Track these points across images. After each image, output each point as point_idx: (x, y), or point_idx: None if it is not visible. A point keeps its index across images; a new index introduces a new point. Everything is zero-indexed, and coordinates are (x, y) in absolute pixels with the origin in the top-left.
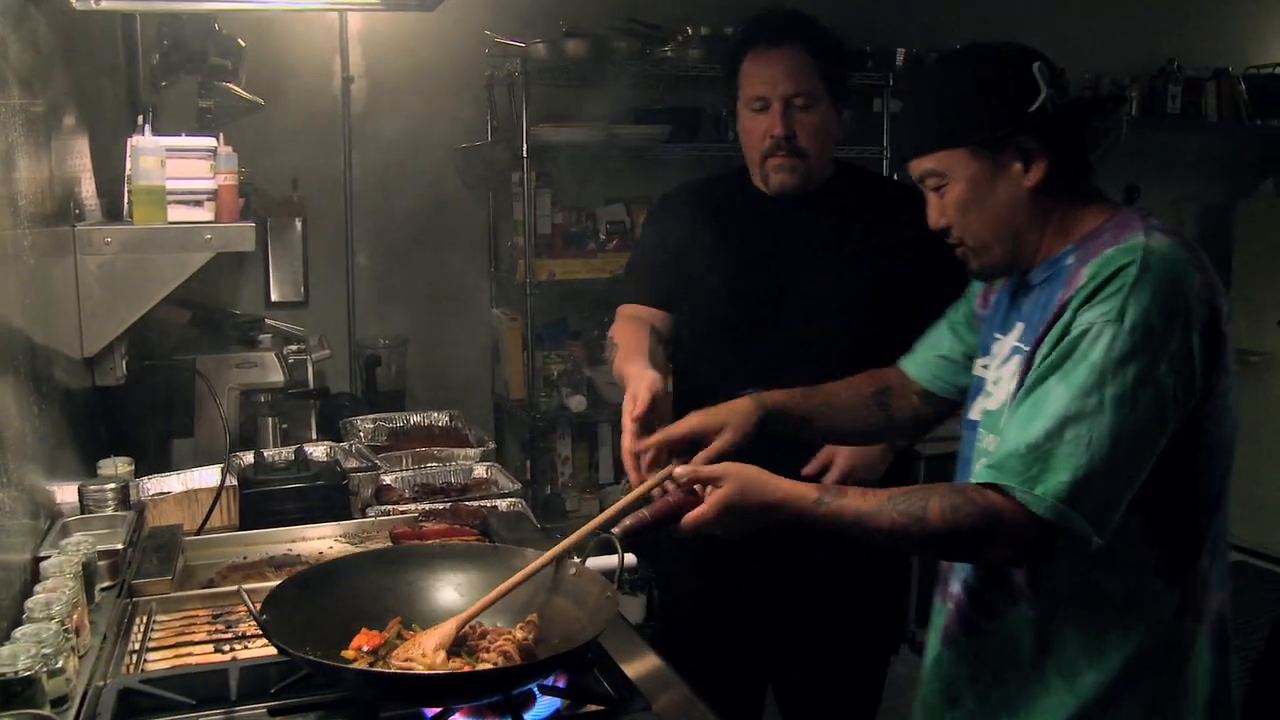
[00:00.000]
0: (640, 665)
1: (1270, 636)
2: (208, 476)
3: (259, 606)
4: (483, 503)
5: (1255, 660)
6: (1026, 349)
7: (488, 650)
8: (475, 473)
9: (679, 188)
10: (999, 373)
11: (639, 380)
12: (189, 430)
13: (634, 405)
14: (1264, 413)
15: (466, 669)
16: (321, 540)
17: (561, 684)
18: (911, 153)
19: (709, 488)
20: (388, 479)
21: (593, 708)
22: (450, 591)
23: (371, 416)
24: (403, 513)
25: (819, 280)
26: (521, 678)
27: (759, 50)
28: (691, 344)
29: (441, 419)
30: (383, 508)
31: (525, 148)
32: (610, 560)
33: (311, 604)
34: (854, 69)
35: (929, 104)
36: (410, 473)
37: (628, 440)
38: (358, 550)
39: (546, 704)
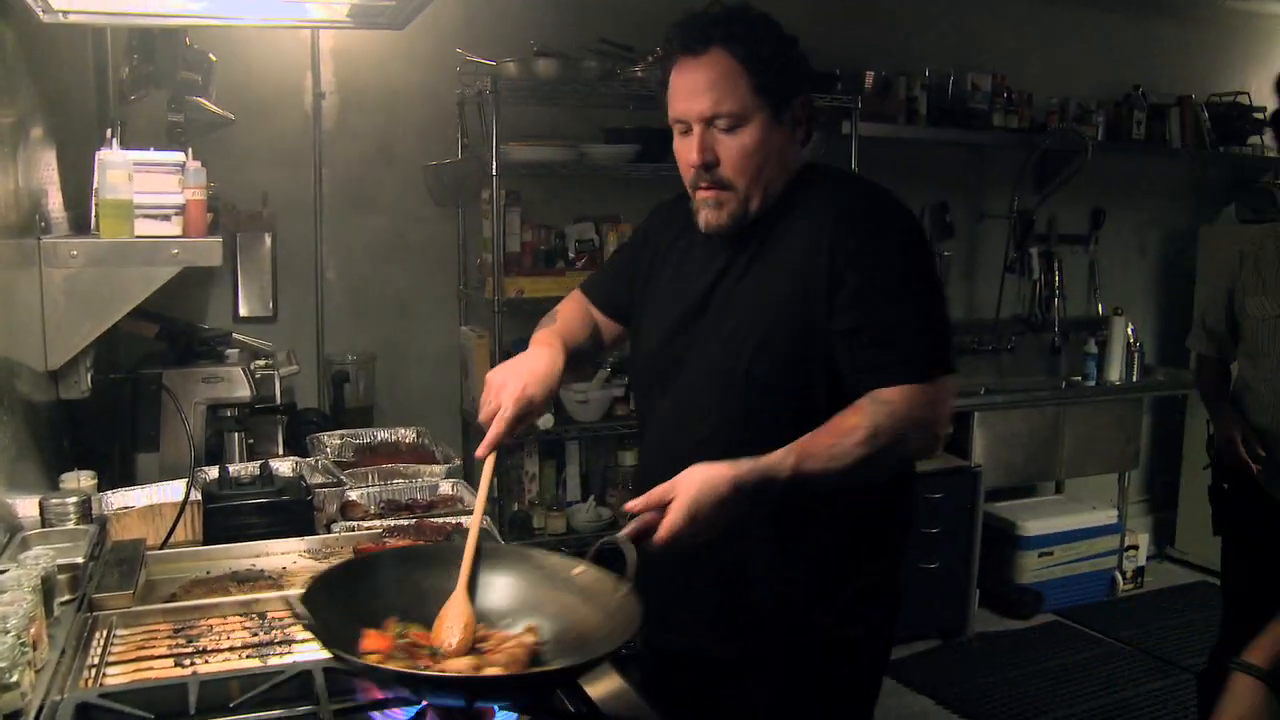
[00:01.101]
0: (603, 685)
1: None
2: (173, 491)
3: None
4: (448, 519)
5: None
6: None
7: (495, 653)
8: (441, 489)
9: (667, 202)
10: None
11: (517, 380)
12: (155, 445)
13: (499, 411)
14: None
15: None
16: (285, 555)
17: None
18: None
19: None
20: (353, 495)
21: None
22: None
23: (339, 433)
24: (368, 529)
25: (729, 332)
26: (562, 678)
27: (682, 61)
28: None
29: (409, 435)
30: (348, 524)
31: (495, 165)
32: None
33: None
34: (821, 90)
35: None
36: (376, 489)
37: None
38: (330, 565)
39: (505, 718)
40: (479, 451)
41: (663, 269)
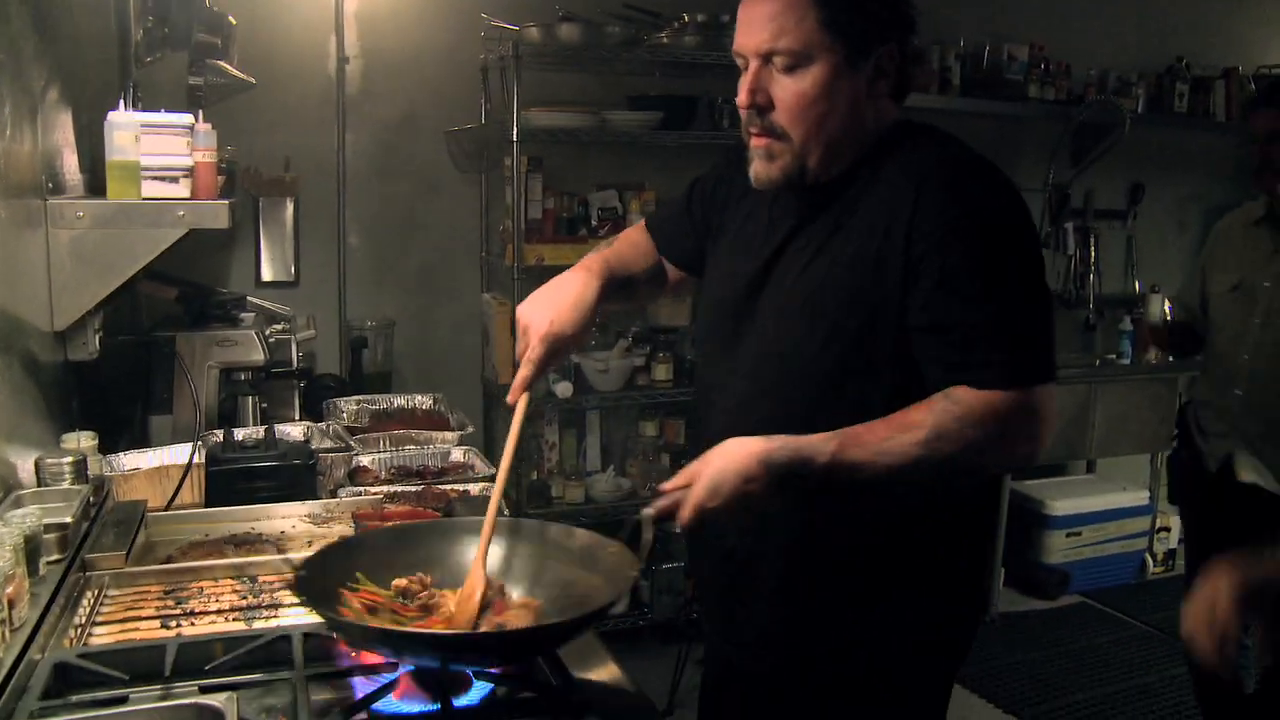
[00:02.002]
0: (586, 659)
1: None
2: (181, 453)
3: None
4: (454, 486)
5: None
6: None
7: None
8: (453, 456)
9: (739, 148)
10: None
11: (543, 317)
12: (168, 407)
13: (527, 349)
14: None
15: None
16: (285, 520)
17: (496, 670)
18: None
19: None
20: (364, 460)
21: (527, 694)
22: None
23: (355, 398)
24: (373, 494)
25: (791, 310)
26: (546, 638)
27: None
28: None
29: (425, 402)
30: (354, 489)
31: (516, 131)
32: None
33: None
34: None
35: None
36: (387, 455)
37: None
38: (333, 531)
39: (480, 688)
40: (509, 396)
41: (728, 225)
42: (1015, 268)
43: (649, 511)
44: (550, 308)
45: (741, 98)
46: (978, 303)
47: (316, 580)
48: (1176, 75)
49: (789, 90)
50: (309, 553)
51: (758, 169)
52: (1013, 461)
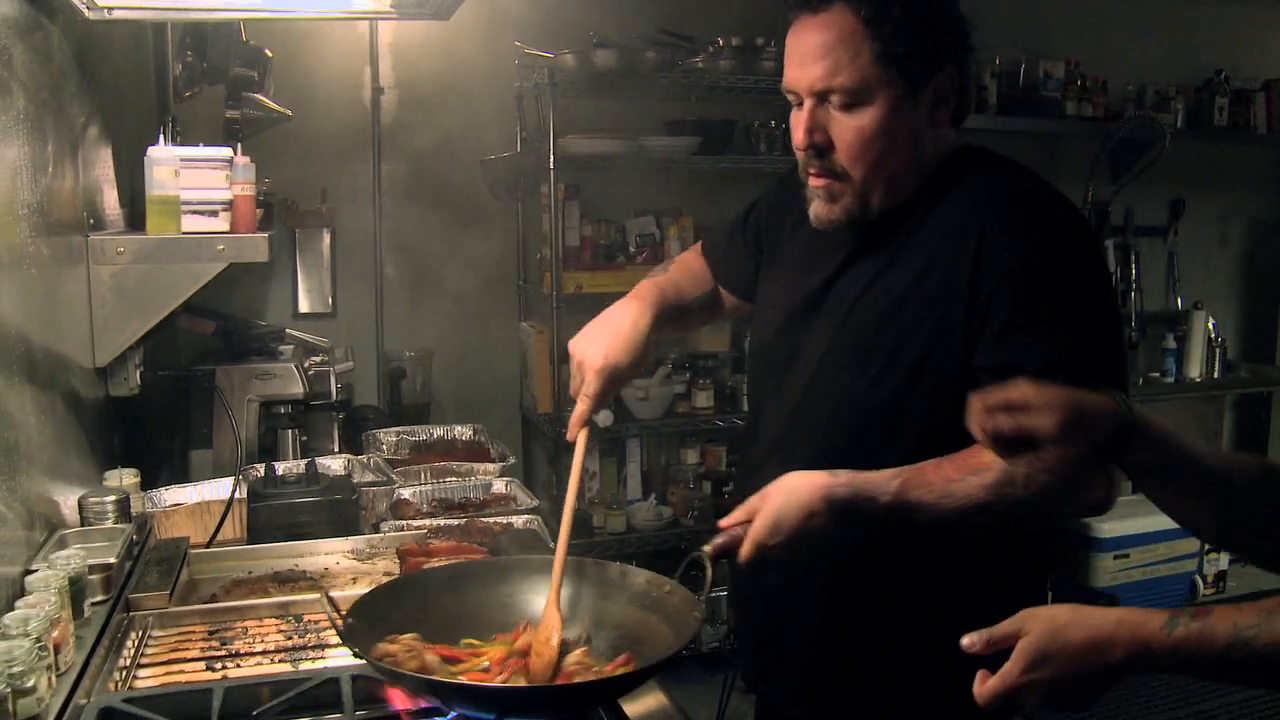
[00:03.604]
0: (644, 703)
1: None
2: (222, 489)
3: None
4: (498, 519)
5: None
6: None
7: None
8: (494, 488)
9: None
10: None
11: (598, 350)
12: (208, 442)
13: (587, 385)
14: None
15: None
16: (329, 556)
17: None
18: None
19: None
20: (405, 493)
21: None
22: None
23: (394, 430)
24: (416, 529)
25: (846, 343)
26: (613, 689)
27: (800, 19)
28: (749, 355)
29: (465, 433)
30: (396, 523)
31: (553, 159)
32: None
33: (387, 620)
34: None
35: None
36: (428, 487)
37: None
38: (377, 567)
39: None
40: (569, 434)
41: (782, 251)
42: (1088, 304)
43: (708, 549)
44: (604, 340)
45: (799, 138)
46: (1051, 341)
47: (362, 628)
48: (1215, 88)
49: (848, 129)
50: (354, 594)
51: (819, 210)
52: (1082, 511)
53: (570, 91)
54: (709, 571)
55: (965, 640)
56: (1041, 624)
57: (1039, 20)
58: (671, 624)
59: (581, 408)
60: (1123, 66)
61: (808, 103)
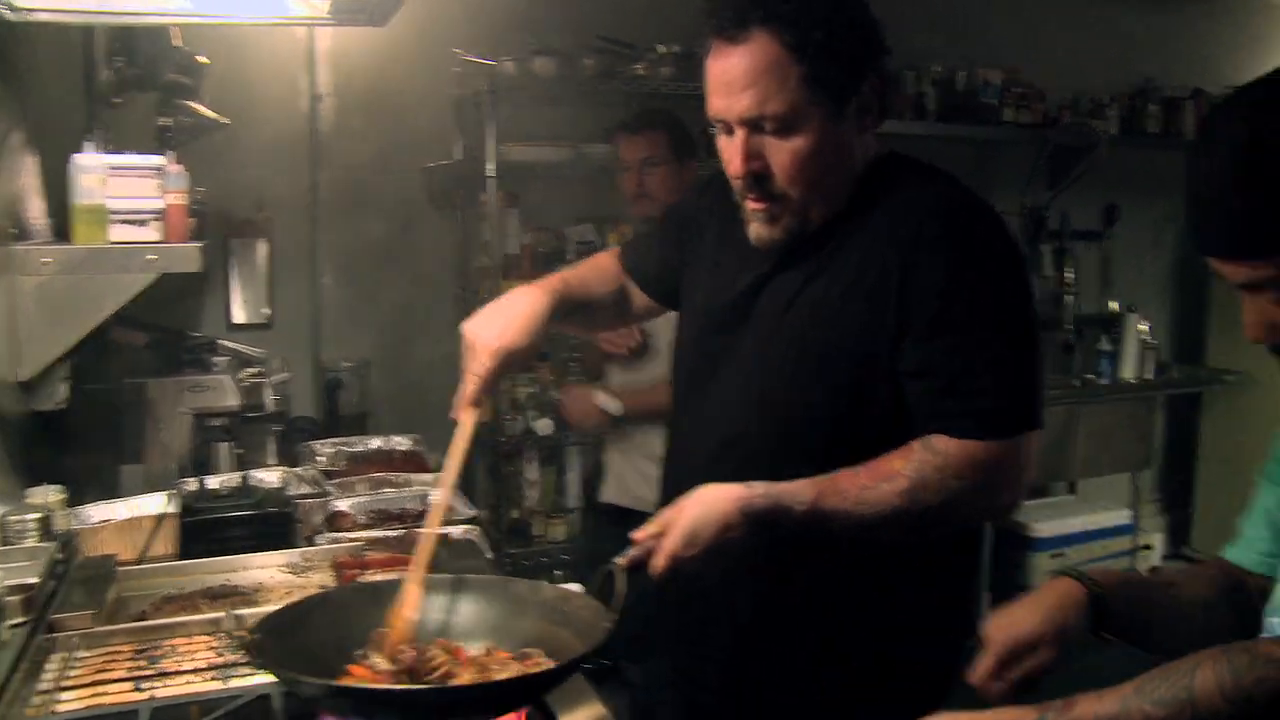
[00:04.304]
0: (583, 713)
1: None
2: (153, 504)
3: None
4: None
5: None
6: None
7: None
8: (432, 499)
9: (717, 175)
10: None
11: (490, 332)
12: (139, 456)
13: (478, 365)
14: (1241, 432)
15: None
16: (262, 570)
17: None
18: (1232, 247)
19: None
20: (342, 505)
21: None
22: (448, 618)
23: (332, 441)
24: (352, 541)
25: (773, 350)
26: (514, 693)
27: (718, 44)
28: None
29: (403, 444)
30: (332, 535)
31: (492, 167)
32: None
33: (301, 634)
34: None
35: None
36: (365, 499)
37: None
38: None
39: None
40: (453, 412)
41: (704, 255)
42: (1006, 311)
43: (620, 561)
44: (499, 323)
45: (736, 168)
46: (965, 350)
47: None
48: (1148, 96)
49: (784, 153)
50: (262, 611)
51: (760, 232)
52: (992, 512)
53: (510, 99)
54: (620, 584)
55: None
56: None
57: (978, 30)
58: (581, 636)
59: (471, 388)
60: (1059, 75)
61: (740, 132)
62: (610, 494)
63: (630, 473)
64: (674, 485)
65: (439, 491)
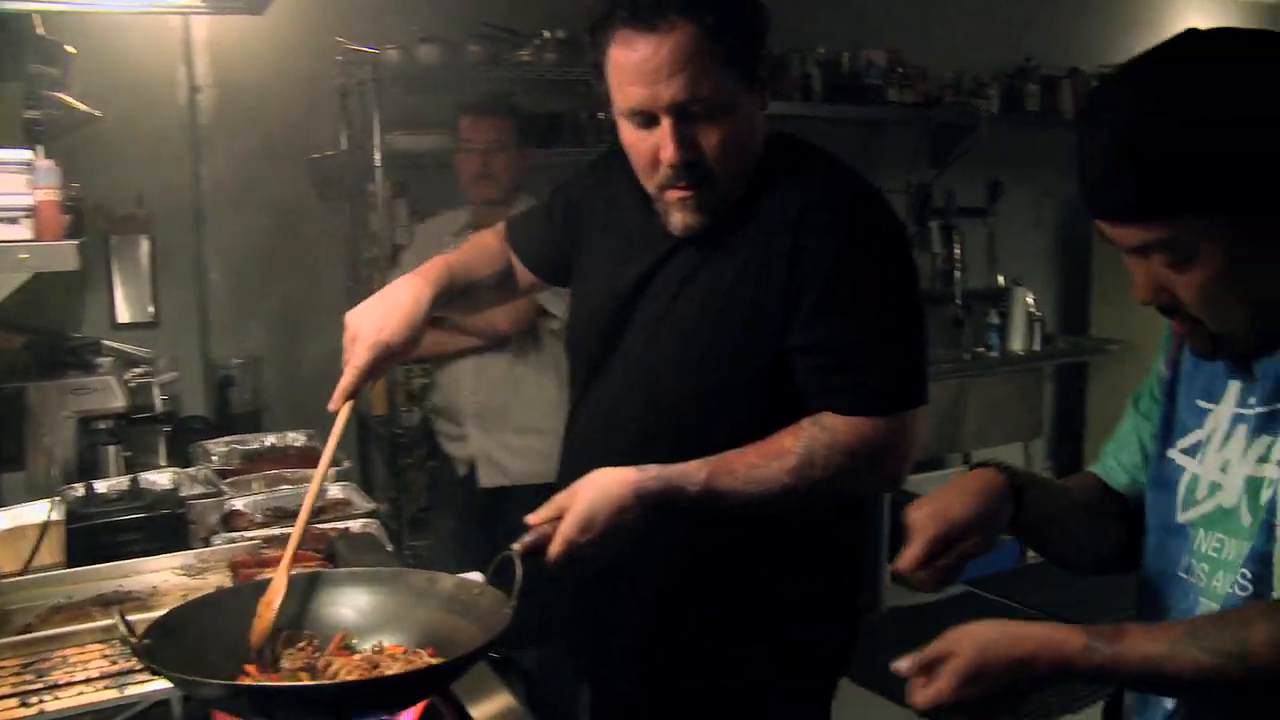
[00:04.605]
0: (493, 704)
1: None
2: (36, 512)
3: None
4: (335, 525)
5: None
6: (1260, 409)
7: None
8: (330, 493)
9: (607, 155)
10: (1221, 455)
11: (371, 325)
12: (20, 463)
13: (356, 357)
14: (1126, 399)
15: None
16: (156, 574)
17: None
18: (1123, 213)
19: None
20: (237, 504)
21: None
22: (345, 613)
23: (225, 439)
24: (249, 540)
25: (666, 334)
26: (416, 685)
27: (628, 36)
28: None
29: (299, 439)
30: (229, 535)
31: (379, 156)
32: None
33: (193, 636)
34: None
35: (1159, 137)
36: (261, 497)
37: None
38: (209, 582)
39: None
40: (331, 404)
41: (596, 237)
42: (890, 291)
43: (518, 547)
44: (380, 315)
45: (671, 156)
46: (851, 328)
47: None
48: (1027, 76)
49: (716, 137)
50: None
51: (684, 220)
52: (880, 485)
53: (395, 87)
54: (518, 570)
55: (897, 665)
56: (970, 644)
57: (861, 12)
58: (482, 625)
59: (347, 380)
60: (941, 55)
61: (667, 120)
62: (488, 479)
63: (498, 450)
64: (571, 467)
65: (315, 479)
